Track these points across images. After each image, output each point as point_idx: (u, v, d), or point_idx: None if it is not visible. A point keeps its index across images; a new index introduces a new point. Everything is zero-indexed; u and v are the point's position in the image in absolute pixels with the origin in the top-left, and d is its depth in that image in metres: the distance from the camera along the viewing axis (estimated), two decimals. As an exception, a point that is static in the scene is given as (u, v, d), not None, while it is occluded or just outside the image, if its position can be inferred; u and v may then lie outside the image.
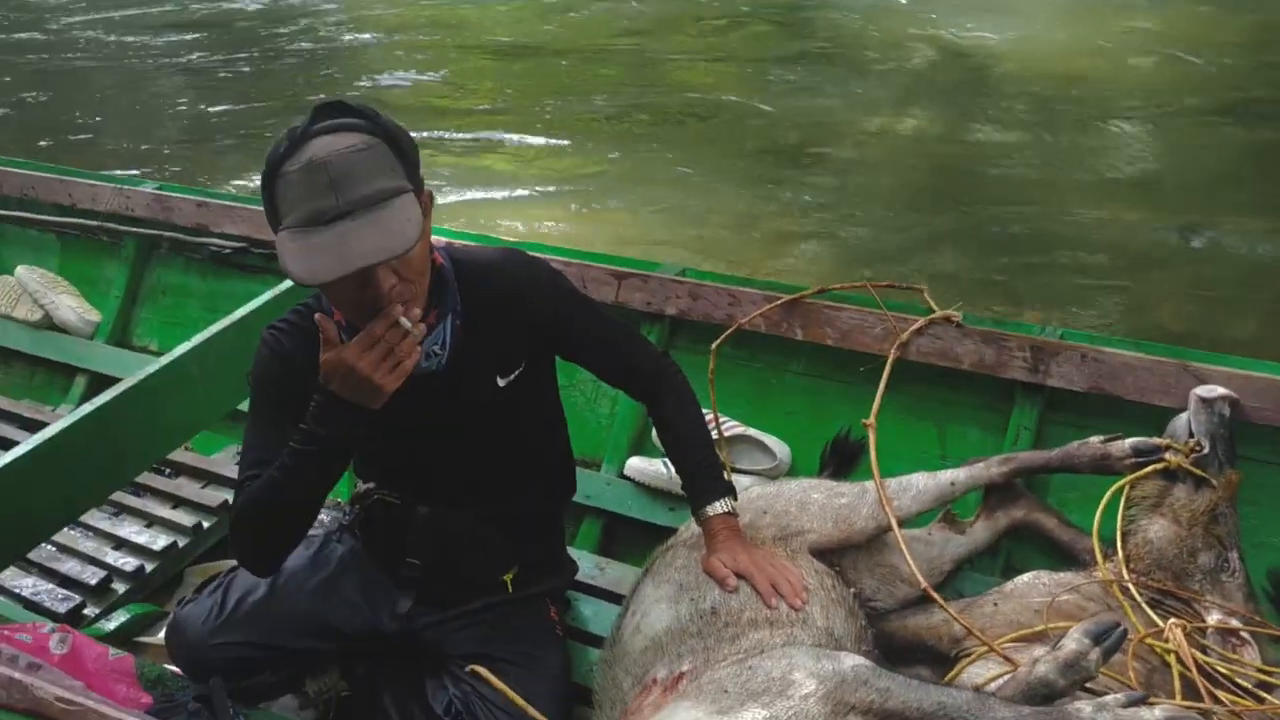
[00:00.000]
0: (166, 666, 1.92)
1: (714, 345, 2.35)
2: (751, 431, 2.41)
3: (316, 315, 1.57)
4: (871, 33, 7.52)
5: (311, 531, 2.06)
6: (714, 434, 2.32)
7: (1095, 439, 2.01)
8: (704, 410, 2.33)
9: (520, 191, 5.61)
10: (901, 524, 1.96)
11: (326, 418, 1.56)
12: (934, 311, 2.27)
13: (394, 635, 1.94)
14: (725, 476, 1.91)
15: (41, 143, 6.57)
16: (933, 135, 5.87)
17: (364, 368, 1.50)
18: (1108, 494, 1.92)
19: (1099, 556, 1.87)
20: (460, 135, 6.32)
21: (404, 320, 1.51)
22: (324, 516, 2.45)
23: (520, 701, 1.63)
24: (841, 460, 2.31)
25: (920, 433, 2.32)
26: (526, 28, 8.23)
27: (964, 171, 5.43)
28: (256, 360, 1.76)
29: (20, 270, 3.29)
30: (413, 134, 1.60)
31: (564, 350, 1.91)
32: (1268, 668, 1.69)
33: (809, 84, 6.74)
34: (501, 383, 1.81)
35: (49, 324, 3.24)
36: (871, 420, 2.12)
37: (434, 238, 1.77)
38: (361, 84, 7.19)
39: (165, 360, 2.38)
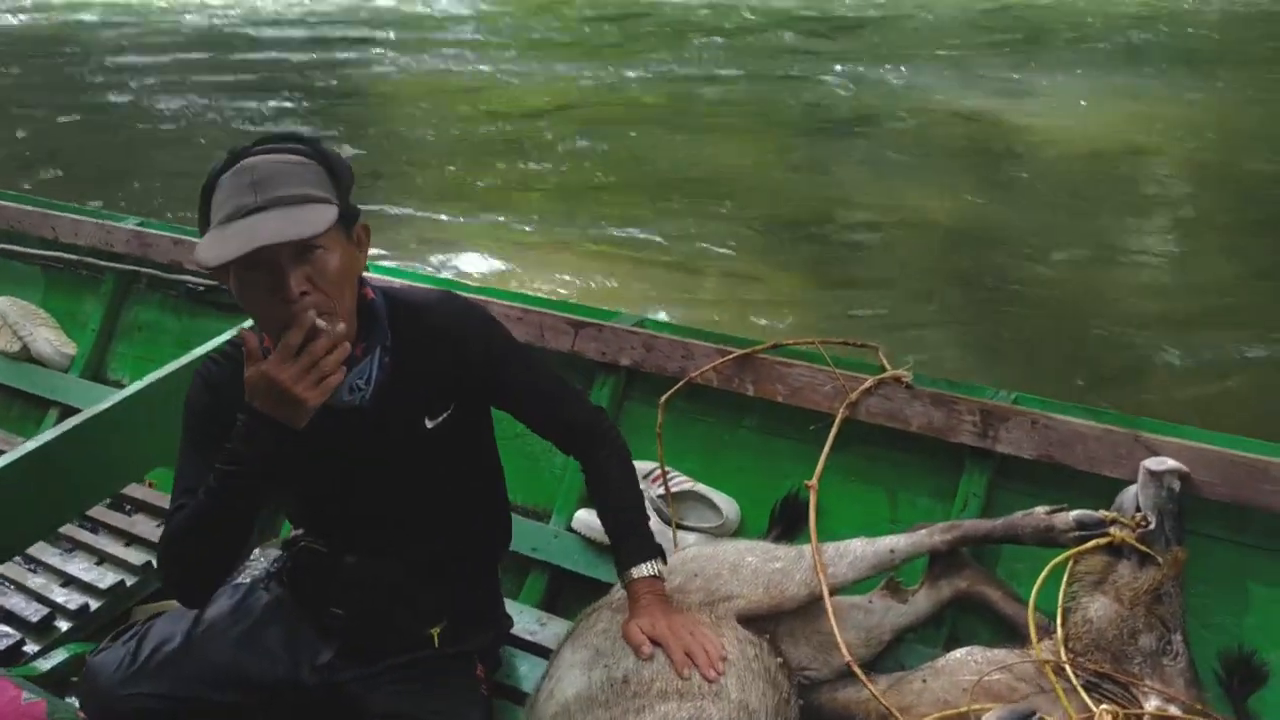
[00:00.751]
0: (80, 714, 1.89)
1: (662, 399, 2.31)
2: (700, 488, 2.35)
3: (243, 332, 1.57)
4: (898, 112, 7.56)
5: (238, 579, 2.05)
6: (661, 489, 2.29)
7: (1040, 509, 1.94)
8: (653, 464, 2.31)
9: (531, 254, 5.64)
10: (836, 591, 1.90)
11: (250, 435, 1.54)
12: (885, 370, 2.22)
13: (314, 688, 1.90)
14: (654, 538, 1.86)
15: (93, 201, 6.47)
16: (947, 209, 5.88)
17: (285, 380, 1.48)
18: (1048, 568, 1.84)
19: (1033, 634, 1.79)
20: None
21: (319, 321, 1.49)
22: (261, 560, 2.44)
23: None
24: (789, 521, 2.25)
25: (870, 496, 2.26)
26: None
27: (974, 244, 5.44)
28: (190, 390, 1.77)
29: (2, 301, 3.32)
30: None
31: (495, 396, 1.88)
32: (1202, 760, 1.62)
33: (830, 157, 6.79)
34: (429, 424, 1.78)
35: (27, 355, 3.26)
36: (813, 482, 2.07)
37: (376, 276, 1.77)
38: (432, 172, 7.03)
39: (125, 393, 2.38)
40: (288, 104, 8.52)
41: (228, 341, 1.81)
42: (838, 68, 8.61)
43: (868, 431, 2.23)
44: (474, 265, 5.54)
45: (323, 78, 9.22)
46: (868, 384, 2.19)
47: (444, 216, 6.19)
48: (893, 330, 4.34)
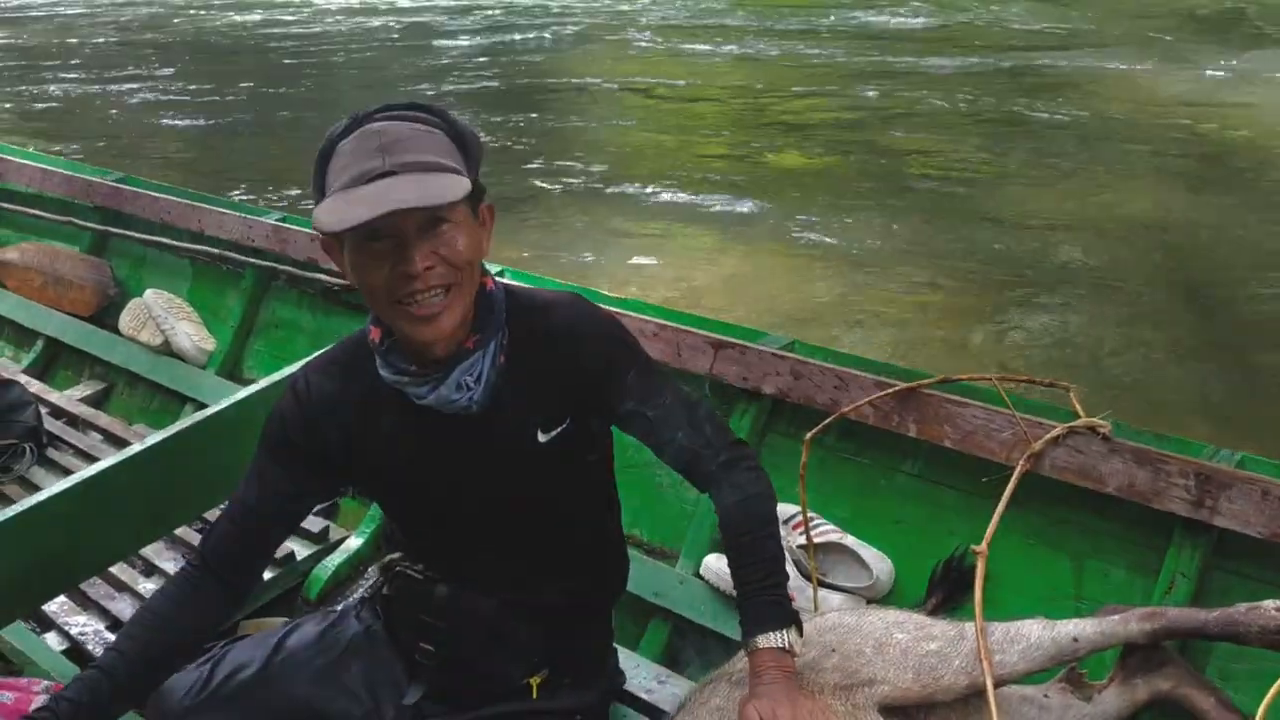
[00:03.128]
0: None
1: (808, 435, 2.02)
2: (848, 540, 2.05)
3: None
4: (1102, 99, 6.92)
5: (335, 605, 1.90)
6: (802, 538, 2.00)
7: (1271, 604, 1.55)
8: (794, 509, 2.03)
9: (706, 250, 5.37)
10: (1002, 683, 1.57)
11: None
12: (1078, 417, 1.87)
13: (395, 731, 1.71)
14: (791, 603, 1.57)
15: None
16: (1163, 217, 5.22)
17: None
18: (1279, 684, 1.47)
19: (1259, 766, 1.42)
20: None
21: None
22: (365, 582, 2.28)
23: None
24: (951, 589, 1.93)
25: (1052, 567, 1.92)
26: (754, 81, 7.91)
27: (1197, 260, 4.79)
28: (283, 394, 1.64)
29: (149, 294, 3.31)
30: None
31: (614, 411, 1.62)
32: None
33: (1024, 151, 6.23)
34: (542, 439, 1.57)
35: (169, 350, 3.24)
36: (983, 547, 1.73)
37: (506, 281, 1.63)
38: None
39: (246, 393, 2.27)
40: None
41: (338, 346, 1.64)
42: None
43: (1053, 489, 1.89)
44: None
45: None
46: (1056, 432, 1.85)
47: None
48: (1088, 366, 3.83)
